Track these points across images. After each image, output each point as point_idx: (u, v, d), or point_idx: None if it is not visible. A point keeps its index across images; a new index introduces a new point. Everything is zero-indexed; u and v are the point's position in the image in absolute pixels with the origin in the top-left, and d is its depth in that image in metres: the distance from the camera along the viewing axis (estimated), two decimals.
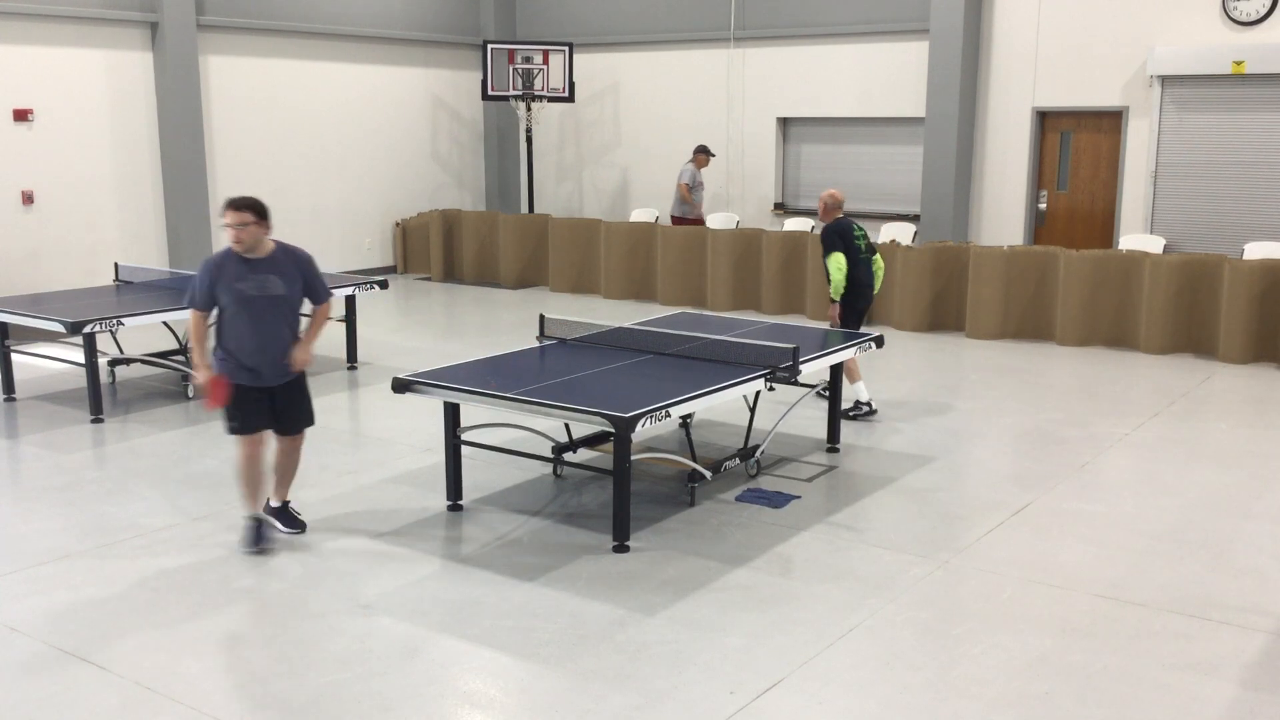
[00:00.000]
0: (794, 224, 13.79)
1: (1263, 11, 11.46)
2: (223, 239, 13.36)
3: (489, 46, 14.84)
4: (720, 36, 14.83)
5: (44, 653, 4.69)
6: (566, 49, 15.03)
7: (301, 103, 14.20)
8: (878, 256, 8.51)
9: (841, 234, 8.27)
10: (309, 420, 5.96)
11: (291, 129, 14.14)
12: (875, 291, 8.54)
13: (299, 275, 5.71)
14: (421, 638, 4.82)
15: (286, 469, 6.02)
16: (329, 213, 14.74)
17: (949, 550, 5.80)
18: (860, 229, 8.43)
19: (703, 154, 13.89)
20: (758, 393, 6.58)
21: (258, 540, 5.78)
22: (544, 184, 16.67)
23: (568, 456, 6.96)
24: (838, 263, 8.18)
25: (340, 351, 10.45)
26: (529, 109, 15.27)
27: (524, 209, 16.57)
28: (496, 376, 6.23)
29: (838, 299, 8.30)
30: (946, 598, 5.23)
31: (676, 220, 13.88)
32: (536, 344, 7.24)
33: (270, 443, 5.87)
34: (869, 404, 8.33)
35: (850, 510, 6.40)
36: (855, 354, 7.61)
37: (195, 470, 7.10)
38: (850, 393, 8.24)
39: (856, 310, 8.46)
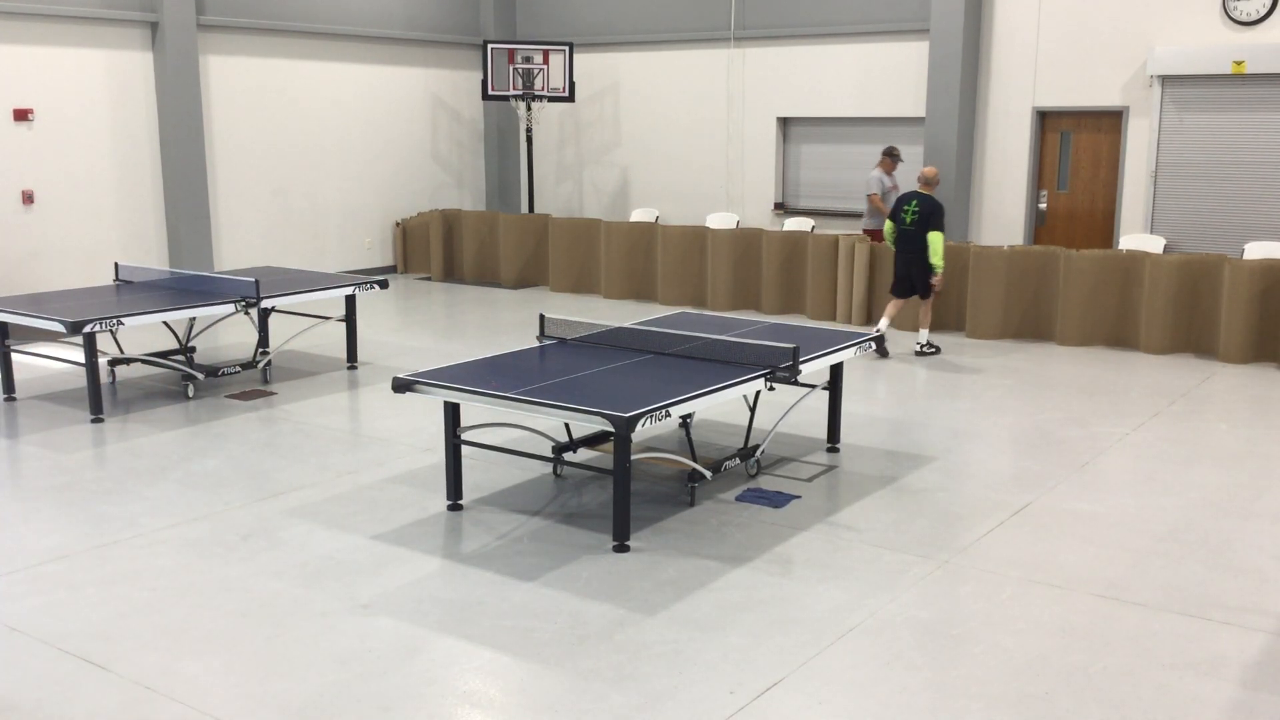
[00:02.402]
0: (794, 224, 13.78)
1: (1263, 11, 11.46)
2: (223, 238, 13.48)
3: (489, 46, 14.84)
4: (720, 36, 14.83)
5: (44, 652, 4.69)
6: (566, 49, 15.03)
7: (301, 102, 14.20)
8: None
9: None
10: None
11: (291, 129, 14.14)
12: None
13: None
14: (421, 638, 4.82)
15: None
16: (329, 212, 14.74)
17: (949, 550, 5.81)
18: (907, 205, 10.40)
19: (889, 157, 12.52)
20: (758, 393, 6.58)
21: None
22: (544, 184, 16.67)
23: (568, 456, 6.96)
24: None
25: (340, 351, 10.46)
26: (529, 109, 15.27)
27: (524, 209, 16.58)
28: (497, 376, 6.22)
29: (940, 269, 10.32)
30: (946, 598, 5.23)
31: (868, 233, 12.34)
32: (536, 344, 7.24)
33: None
34: (929, 344, 10.50)
35: (850, 510, 6.40)
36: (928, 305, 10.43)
37: (195, 470, 7.10)
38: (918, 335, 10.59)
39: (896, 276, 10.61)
